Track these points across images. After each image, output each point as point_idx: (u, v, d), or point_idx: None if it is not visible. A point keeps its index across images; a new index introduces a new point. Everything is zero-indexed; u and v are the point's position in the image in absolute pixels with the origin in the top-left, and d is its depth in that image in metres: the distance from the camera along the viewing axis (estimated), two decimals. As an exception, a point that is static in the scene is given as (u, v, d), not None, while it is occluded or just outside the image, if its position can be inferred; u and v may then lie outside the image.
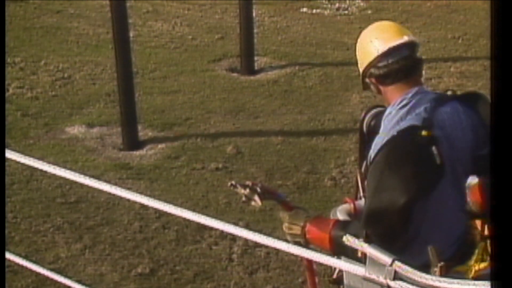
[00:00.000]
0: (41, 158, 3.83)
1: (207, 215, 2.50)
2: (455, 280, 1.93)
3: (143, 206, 5.11)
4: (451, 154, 2.69)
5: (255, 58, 7.90)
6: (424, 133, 2.65)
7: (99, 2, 9.58)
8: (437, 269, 2.26)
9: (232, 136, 6.38)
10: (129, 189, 4.95)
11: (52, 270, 4.02)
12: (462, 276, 2.52)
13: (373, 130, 3.37)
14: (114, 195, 4.66)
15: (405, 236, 2.66)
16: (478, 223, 2.70)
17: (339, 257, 3.01)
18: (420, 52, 2.93)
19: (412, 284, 1.97)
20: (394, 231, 2.63)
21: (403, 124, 2.72)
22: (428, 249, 2.32)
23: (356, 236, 2.55)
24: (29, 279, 4.47)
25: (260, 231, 2.47)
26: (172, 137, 6.40)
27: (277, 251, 4.62)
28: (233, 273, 4.60)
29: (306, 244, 2.88)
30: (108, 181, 5.20)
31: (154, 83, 7.54)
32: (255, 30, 8.01)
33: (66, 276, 3.89)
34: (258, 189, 2.94)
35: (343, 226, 2.78)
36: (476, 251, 2.57)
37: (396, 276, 2.01)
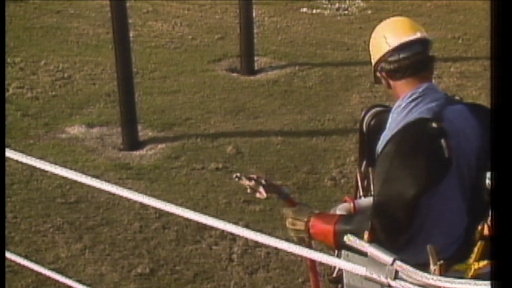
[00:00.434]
0: (41, 158, 3.82)
1: (207, 215, 2.50)
2: (456, 280, 1.93)
3: (143, 206, 5.11)
4: (458, 150, 2.71)
5: (255, 58, 7.90)
6: (434, 124, 2.67)
7: (99, 2, 9.58)
8: (436, 268, 2.26)
9: (232, 136, 6.38)
10: (129, 189, 4.94)
11: (52, 270, 4.02)
12: (461, 275, 2.52)
13: (373, 130, 3.37)
14: (114, 195, 4.69)
15: (410, 231, 2.67)
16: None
17: (339, 255, 3.02)
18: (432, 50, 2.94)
19: (413, 283, 1.97)
20: (400, 223, 2.65)
21: (413, 116, 2.74)
22: (427, 248, 2.32)
23: (361, 229, 2.57)
24: (29, 279, 4.47)
25: (260, 231, 2.46)
26: (172, 137, 6.40)
27: (277, 251, 4.62)
28: (233, 273, 4.61)
29: (309, 240, 2.89)
30: (108, 181, 5.20)
31: (154, 83, 7.54)
32: (255, 30, 8.01)
33: (66, 276, 3.89)
34: (263, 181, 2.95)
35: (348, 220, 2.81)
36: (476, 249, 2.57)
37: (397, 276, 2.01)
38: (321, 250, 2.88)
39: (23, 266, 4.08)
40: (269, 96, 7.25)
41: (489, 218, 2.57)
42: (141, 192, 3.46)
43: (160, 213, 5.02)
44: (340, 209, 3.13)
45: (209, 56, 8.26)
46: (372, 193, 3.17)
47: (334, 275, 4.18)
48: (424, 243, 2.47)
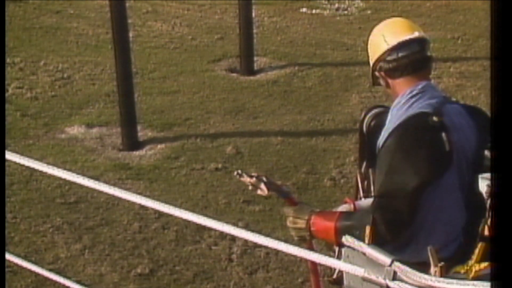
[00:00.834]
0: (40, 159, 3.83)
1: (207, 215, 2.50)
2: (455, 281, 1.92)
3: (142, 207, 5.10)
4: (457, 145, 2.73)
5: (255, 58, 7.90)
6: (435, 118, 2.71)
7: (99, 2, 9.57)
8: (437, 269, 2.26)
9: (231, 136, 6.38)
10: (128, 189, 4.95)
11: (51, 270, 4.02)
12: (461, 276, 2.52)
13: (373, 131, 3.38)
14: (113, 195, 4.68)
15: (412, 226, 2.69)
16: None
17: (340, 255, 3.01)
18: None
19: (412, 284, 1.97)
20: (402, 217, 2.66)
21: (414, 110, 2.77)
22: (428, 249, 2.32)
23: (363, 224, 2.57)
24: (29, 279, 4.47)
25: (259, 232, 2.46)
26: (171, 138, 6.39)
27: (277, 251, 4.62)
28: (233, 273, 4.60)
29: (310, 238, 2.89)
30: (107, 182, 5.21)
31: (153, 84, 7.53)
32: (255, 31, 8.00)
33: (65, 276, 3.89)
34: (264, 179, 2.94)
35: (349, 216, 2.83)
36: (476, 251, 2.57)
37: (396, 277, 2.00)
38: (321, 251, 2.88)
39: (22, 267, 4.07)
40: (268, 96, 7.25)
41: (489, 219, 2.57)
42: (140, 193, 3.47)
43: (160, 213, 5.02)
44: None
45: (209, 56, 8.25)
46: (373, 192, 3.17)
47: (334, 276, 4.17)
48: (426, 239, 2.49)
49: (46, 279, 4.10)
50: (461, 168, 2.75)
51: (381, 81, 2.96)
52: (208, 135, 6.41)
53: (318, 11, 9.86)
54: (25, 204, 5.36)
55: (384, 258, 2.03)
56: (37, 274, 4.25)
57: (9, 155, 2.94)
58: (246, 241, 4.71)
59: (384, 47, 2.88)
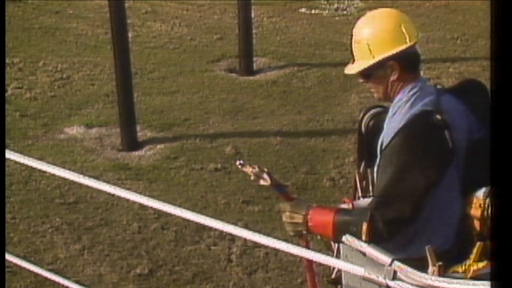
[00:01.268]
0: (39, 159, 3.82)
1: (206, 215, 2.50)
2: (454, 280, 1.93)
3: (142, 207, 5.11)
4: (457, 141, 2.75)
5: (254, 58, 7.89)
6: (438, 116, 2.73)
7: (98, 3, 9.57)
8: (435, 269, 2.26)
9: (231, 136, 6.38)
10: (128, 189, 4.94)
11: (51, 270, 4.02)
12: (460, 276, 2.52)
13: (372, 131, 3.38)
14: (113, 195, 4.68)
15: (415, 224, 2.69)
16: (476, 223, 2.71)
17: (338, 252, 3.01)
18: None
19: (412, 284, 1.97)
20: (403, 217, 2.66)
21: (417, 109, 2.78)
22: (426, 249, 2.32)
23: (360, 220, 2.58)
24: (28, 280, 4.47)
25: (259, 232, 2.46)
26: (171, 138, 6.39)
27: (276, 251, 4.62)
28: (232, 273, 4.60)
29: (307, 234, 2.88)
30: (106, 182, 5.20)
31: (153, 84, 7.53)
32: (254, 31, 8.01)
33: (65, 276, 3.89)
34: (266, 170, 2.94)
35: (347, 212, 2.84)
36: (474, 250, 2.57)
37: (395, 276, 2.00)
38: (320, 250, 2.88)
39: (21, 267, 4.07)
40: (268, 96, 7.25)
41: (488, 219, 2.58)
42: (140, 193, 3.46)
43: (159, 213, 5.02)
44: (339, 210, 3.13)
45: (208, 57, 8.25)
46: (372, 192, 3.17)
47: (333, 276, 4.18)
48: (429, 236, 2.49)
49: (46, 279, 4.10)
50: (458, 162, 2.77)
51: (386, 72, 2.90)
52: (208, 135, 6.41)
53: (317, 11, 9.86)
54: (24, 204, 5.36)
55: (384, 258, 2.03)
56: (36, 274, 4.25)
57: (9, 154, 2.94)
58: (245, 241, 4.72)
59: (408, 40, 2.85)
